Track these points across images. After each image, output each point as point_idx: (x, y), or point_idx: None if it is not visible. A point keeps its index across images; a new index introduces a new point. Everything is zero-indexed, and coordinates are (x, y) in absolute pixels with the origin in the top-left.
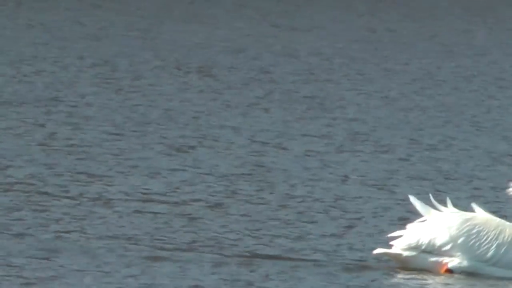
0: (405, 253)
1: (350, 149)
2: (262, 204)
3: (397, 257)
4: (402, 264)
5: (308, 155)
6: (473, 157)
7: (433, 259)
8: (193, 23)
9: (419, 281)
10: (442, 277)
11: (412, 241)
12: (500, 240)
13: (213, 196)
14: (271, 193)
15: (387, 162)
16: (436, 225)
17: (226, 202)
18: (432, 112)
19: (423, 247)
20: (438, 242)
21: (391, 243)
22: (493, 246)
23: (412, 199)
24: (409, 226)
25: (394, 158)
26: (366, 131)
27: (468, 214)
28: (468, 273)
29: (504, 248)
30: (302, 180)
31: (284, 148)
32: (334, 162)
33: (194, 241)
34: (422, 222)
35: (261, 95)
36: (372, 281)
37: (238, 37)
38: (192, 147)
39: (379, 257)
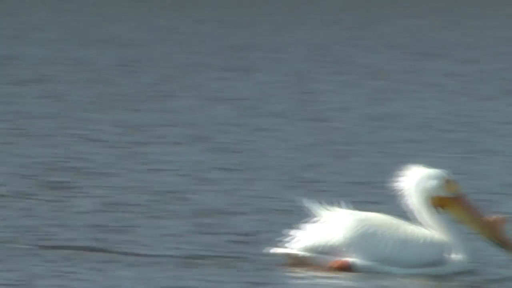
0: (302, 254)
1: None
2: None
3: (293, 257)
4: (299, 264)
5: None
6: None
7: (331, 259)
8: None
9: (315, 280)
10: (340, 274)
11: (308, 243)
12: (395, 239)
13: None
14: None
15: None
16: (332, 226)
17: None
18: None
19: (319, 248)
20: (334, 243)
21: (286, 244)
22: (389, 245)
23: (306, 201)
24: (304, 227)
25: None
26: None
27: (363, 214)
28: (366, 271)
29: (399, 246)
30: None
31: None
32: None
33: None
34: (317, 223)
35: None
36: (266, 279)
37: None
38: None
39: (275, 256)
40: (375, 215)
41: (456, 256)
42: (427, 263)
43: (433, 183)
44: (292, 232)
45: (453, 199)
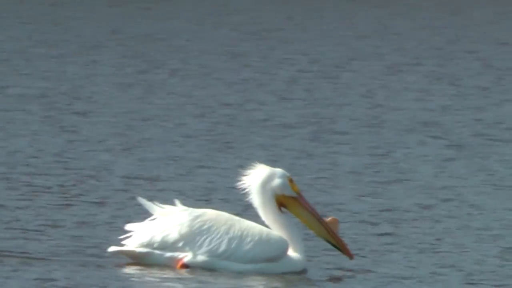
0: (139, 250)
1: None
2: None
3: (131, 254)
4: (137, 261)
5: None
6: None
7: (168, 255)
8: None
9: (154, 277)
10: (178, 272)
11: (145, 239)
12: (230, 235)
13: None
14: None
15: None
16: (167, 223)
17: None
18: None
19: (155, 244)
20: (170, 239)
21: (123, 241)
22: (224, 241)
23: (140, 199)
24: (140, 224)
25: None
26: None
27: (198, 211)
28: (204, 268)
29: (235, 242)
30: None
31: None
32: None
33: None
34: (152, 220)
35: None
36: (105, 278)
37: None
38: None
39: (114, 255)
40: (211, 212)
41: (293, 254)
42: (264, 260)
43: (278, 181)
44: (129, 229)
45: (294, 199)
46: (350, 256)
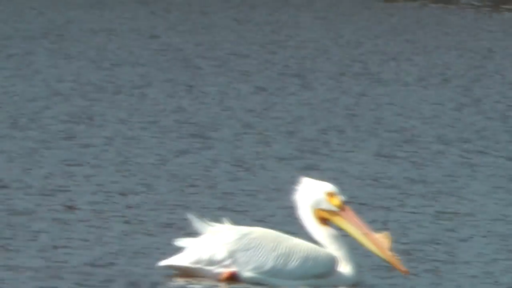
0: (189, 266)
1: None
2: None
3: (182, 269)
4: (187, 275)
5: None
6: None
7: (217, 271)
8: None
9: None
10: (227, 284)
11: (194, 257)
12: (277, 252)
13: None
14: None
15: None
16: (215, 241)
17: None
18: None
19: (204, 262)
20: (218, 258)
21: (173, 257)
22: (271, 259)
23: (190, 216)
24: (190, 241)
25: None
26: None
27: (245, 229)
28: (253, 283)
29: (282, 259)
30: None
31: None
32: None
33: None
34: (202, 238)
35: None
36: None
37: None
38: None
39: (164, 268)
40: (258, 230)
41: (344, 269)
42: (312, 276)
43: (315, 195)
44: (179, 245)
45: (336, 213)
46: (404, 272)
